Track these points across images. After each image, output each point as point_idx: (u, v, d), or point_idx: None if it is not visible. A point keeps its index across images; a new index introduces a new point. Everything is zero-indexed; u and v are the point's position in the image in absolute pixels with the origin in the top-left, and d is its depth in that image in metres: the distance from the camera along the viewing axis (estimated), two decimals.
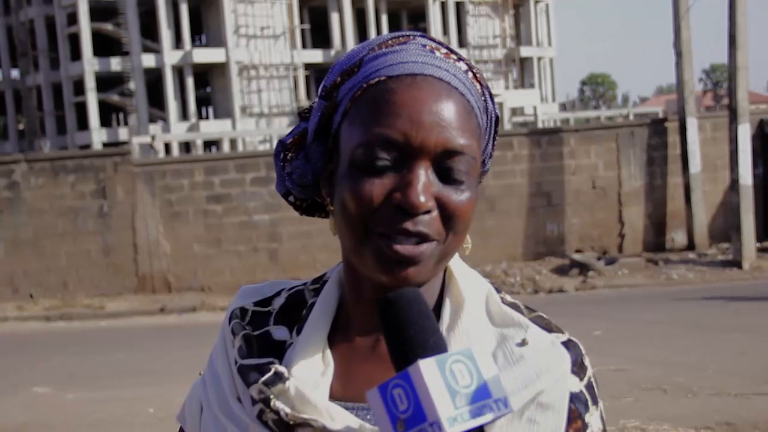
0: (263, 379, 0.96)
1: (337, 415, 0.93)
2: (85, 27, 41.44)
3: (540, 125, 31.88)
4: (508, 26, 48.10)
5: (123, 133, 39.41)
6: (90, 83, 41.64)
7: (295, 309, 1.06)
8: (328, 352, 1.00)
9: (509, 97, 39.73)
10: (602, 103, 76.06)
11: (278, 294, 1.10)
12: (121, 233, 15.01)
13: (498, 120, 1.03)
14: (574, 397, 0.96)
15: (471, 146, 0.93)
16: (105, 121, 43.15)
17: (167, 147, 29.97)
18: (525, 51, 48.59)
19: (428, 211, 0.91)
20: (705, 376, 7.31)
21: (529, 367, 0.94)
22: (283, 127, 37.25)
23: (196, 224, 15.24)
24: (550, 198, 16.13)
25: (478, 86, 0.98)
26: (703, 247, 15.62)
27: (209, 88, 46.33)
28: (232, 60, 41.85)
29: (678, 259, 15.01)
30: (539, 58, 49.94)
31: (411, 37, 0.97)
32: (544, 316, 1.03)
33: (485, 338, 0.98)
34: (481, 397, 0.76)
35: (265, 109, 42.39)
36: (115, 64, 42.47)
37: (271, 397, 0.95)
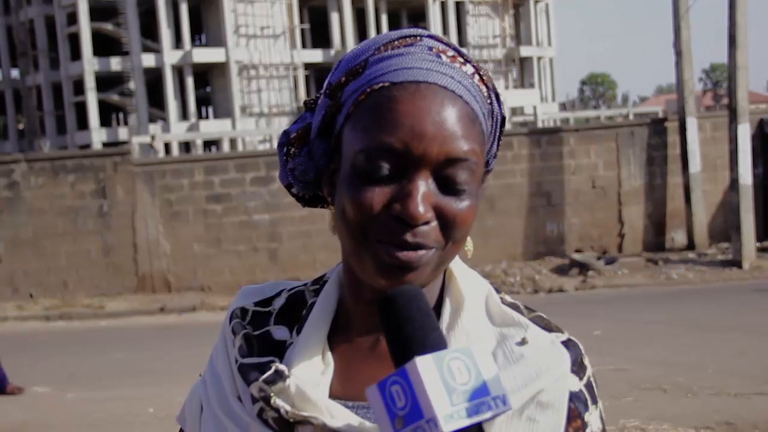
0: (263, 377, 0.96)
1: (337, 413, 0.94)
2: (85, 27, 41.45)
3: (540, 125, 31.90)
4: (508, 26, 48.11)
5: (123, 133, 39.42)
6: (90, 83, 41.65)
7: (295, 309, 1.06)
8: (328, 351, 1.01)
9: (509, 96, 39.77)
10: (602, 103, 76.07)
11: (278, 294, 1.10)
12: (121, 233, 15.01)
13: (504, 121, 1.02)
14: (574, 396, 0.97)
15: (474, 152, 0.93)
16: (105, 121, 43.16)
17: (167, 147, 29.98)
18: (525, 51, 48.60)
19: (427, 222, 0.91)
20: (705, 376, 7.31)
21: (529, 366, 0.94)
22: (282, 126, 37.22)
23: (195, 224, 15.24)
24: (550, 198, 16.13)
25: (484, 89, 0.97)
26: (702, 247, 15.62)
27: (209, 87, 46.34)
28: (232, 60, 41.86)
29: (678, 259, 15.01)
30: (539, 58, 49.95)
31: (418, 38, 0.96)
32: (544, 316, 1.04)
33: (485, 337, 0.98)
34: (479, 394, 0.75)
35: (264, 108, 42.40)
36: (115, 63, 42.48)
37: (272, 395, 0.95)
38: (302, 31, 45.57)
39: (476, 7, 47.19)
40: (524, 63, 49.34)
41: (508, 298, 1.05)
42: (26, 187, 14.90)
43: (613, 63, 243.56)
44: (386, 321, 0.82)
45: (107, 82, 43.05)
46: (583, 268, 14.71)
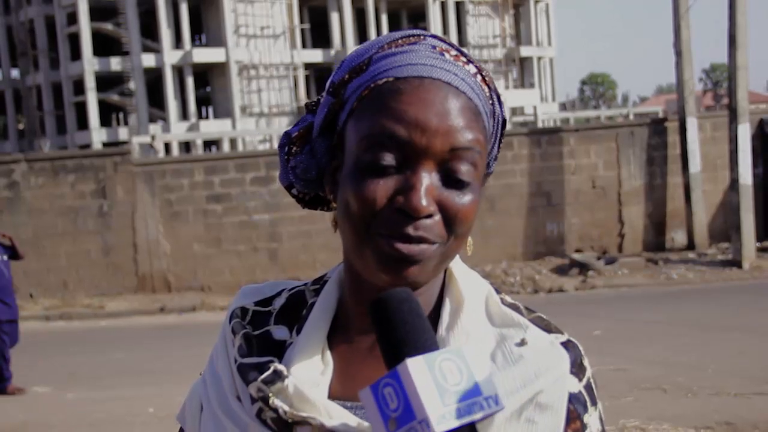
0: (262, 377, 0.96)
1: (335, 414, 0.94)
2: (85, 27, 41.46)
3: (540, 125, 31.90)
4: (508, 26, 48.11)
5: (123, 133, 39.42)
6: (90, 83, 41.65)
7: (295, 309, 1.06)
8: (328, 351, 1.00)
9: (509, 96, 39.78)
10: (602, 103, 76.06)
11: (279, 294, 1.10)
12: (121, 233, 15.02)
13: (505, 122, 1.03)
14: (573, 398, 0.96)
15: (478, 141, 0.93)
16: (105, 121, 43.17)
17: (167, 147, 29.98)
18: (525, 51, 48.60)
19: (430, 215, 0.91)
20: (705, 376, 7.31)
21: (528, 367, 0.94)
22: (282, 126, 37.26)
23: (195, 224, 15.24)
24: (550, 198, 16.13)
25: (486, 89, 0.98)
26: (702, 247, 15.62)
27: (209, 87, 46.34)
28: (232, 60, 41.87)
29: (678, 259, 15.01)
30: (539, 58, 49.96)
31: (421, 37, 0.97)
32: (544, 317, 1.03)
33: (485, 338, 0.98)
34: (471, 394, 0.75)
35: (264, 108, 42.41)
36: (115, 63, 42.48)
37: (270, 395, 0.95)
38: (302, 31, 45.58)
39: (476, 7, 47.19)
40: (524, 63, 49.35)
41: (509, 299, 1.05)
42: (26, 187, 14.90)
43: (613, 63, 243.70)
44: (378, 323, 0.82)
45: (107, 82, 43.05)
46: (583, 268, 14.72)
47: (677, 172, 16.09)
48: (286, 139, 1.06)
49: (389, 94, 0.92)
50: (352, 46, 43.33)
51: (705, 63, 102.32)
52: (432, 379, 0.75)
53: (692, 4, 15.63)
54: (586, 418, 0.97)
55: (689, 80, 15.84)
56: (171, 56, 41.84)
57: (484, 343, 0.97)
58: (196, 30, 45.70)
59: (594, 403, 0.99)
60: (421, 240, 0.91)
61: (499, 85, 43.97)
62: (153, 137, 24.90)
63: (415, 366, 0.75)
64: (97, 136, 41.26)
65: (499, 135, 1.02)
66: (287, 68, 43.30)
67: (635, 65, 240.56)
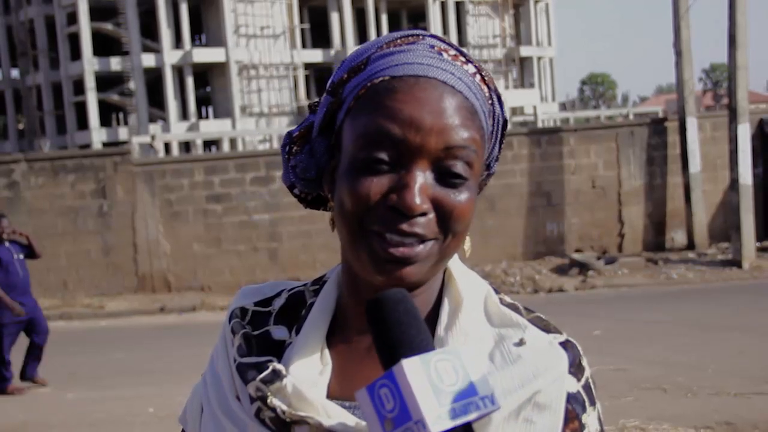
0: (261, 376, 0.96)
1: (333, 413, 0.94)
2: (84, 26, 41.46)
3: (540, 125, 31.89)
4: (508, 26, 48.11)
5: (123, 133, 39.43)
6: (90, 83, 41.66)
7: (295, 309, 1.07)
8: (327, 351, 1.01)
9: (509, 96, 39.78)
10: (602, 103, 76.05)
11: (279, 295, 1.10)
12: (121, 233, 15.01)
13: (506, 123, 1.02)
14: (572, 398, 0.96)
15: (473, 140, 0.93)
16: (105, 121, 43.17)
17: (167, 147, 29.98)
18: (525, 51, 48.61)
19: (424, 214, 0.91)
20: (705, 376, 7.31)
21: (526, 366, 0.94)
22: (282, 126, 37.26)
23: (195, 224, 15.24)
24: (550, 197, 16.13)
25: (486, 89, 0.98)
26: (702, 247, 15.62)
27: (209, 87, 46.34)
28: (232, 60, 41.87)
29: (678, 259, 15.01)
30: (539, 58, 49.96)
31: (420, 37, 0.97)
32: (543, 317, 1.03)
33: (483, 338, 0.98)
34: (467, 394, 0.76)
35: (264, 108, 42.41)
36: (115, 63, 42.49)
37: (269, 394, 0.95)
38: (302, 31, 45.58)
39: (476, 7, 47.20)
40: (524, 63, 49.35)
41: (508, 299, 1.05)
42: (26, 187, 14.90)
43: (613, 63, 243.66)
44: (373, 324, 0.83)
45: (107, 82, 43.06)
46: (583, 268, 14.71)
47: (677, 172, 16.09)
48: (288, 138, 1.06)
49: (385, 93, 0.92)
50: (352, 46, 43.34)
51: (705, 63, 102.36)
52: (427, 379, 0.75)
53: (692, 4, 15.63)
54: (585, 418, 0.97)
55: (689, 80, 15.84)
56: (171, 56, 41.84)
57: (483, 343, 0.97)
58: (196, 30, 45.71)
59: (593, 403, 0.99)
60: (415, 236, 0.91)
61: (499, 85, 43.95)
62: (153, 137, 24.90)
63: (411, 367, 0.75)
64: (97, 136, 41.27)
65: (499, 135, 1.02)
66: (287, 68, 43.30)
67: (635, 65, 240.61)
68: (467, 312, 0.99)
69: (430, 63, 0.94)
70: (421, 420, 0.74)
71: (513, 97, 41.64)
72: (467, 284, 1.03)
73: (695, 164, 15.73)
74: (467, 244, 0.99)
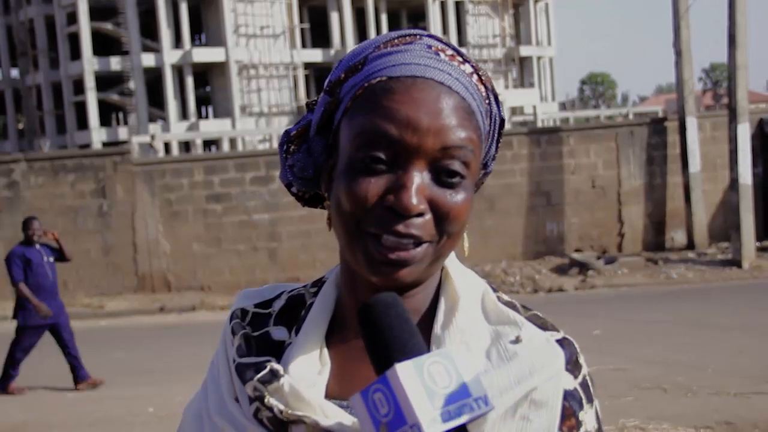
0: (258, 376, 0.97)
1: (330, 413, 0.94)
2: (84, 26, 41.45)
3: (539, 124, 31.89)
4: (508, 25, 48.11)
5: (123, 133, 39.42)
6: (90, 82, 41.65)
7: (294, 310, 1.07)
8: (326, 351, 1.01)
9: (509, 96, 39.77)
10: (602, 103, 76.05)
11: (278, 296, 1.10)
12: (121, 232, 15.01)
13: (503, 122, 1.03)
14: (568, 395, 0.96)
15: (470, 139, 0.93)
16: (105, 121, 43.17)
17: (167, 146, 29.97)
18: (525, 50, 48.60)
19: (421, 214, 0.91)
20: (704, 376, 7.31)
21: (522, 364, 0.94)
22: (282, 126, 37.26)
23: (195, 223, 15.24)
24: (550, 197, 16.13)
25: (483, 89, 0.98)
26: (702, 247, 15.62)
27: (209, 87, 46.34)
28: (232, 59, 41.86)
29: (677, 259, 15.01)
30: (539, 58, 49.96)
31: (417, 37, 0.97)
32: (540, 314, 1.04)
33: (480, 336, 0.98)
34: (461, 396, 0.76)
35: (264, 108, 42.40)
36: (115, 63, 42.48)
37: (266, 394, 0.95)
38: (302, 30, 45.58)
39: (476, 7, 47.19)
40: (524, 62, 49.35)
41: (505, 297, 1.05)
42: (26, 186, 14.90)
43: (613, 63, 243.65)
44: (365, 329, 0.83)
45: (107, 81, 43.05)
46: (583, 267, 14.71)
47: (677, 172, 16.09)
48: (286, 137, 1.06)
49: (382, 93, 0.93)
50: (351, 46, 43.23)
51: (705, 63, 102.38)
52: (421, 383, 0.76)
53: (692, 3, 15.63)
54: (582, 415, 0.97)
55: (689, 80, 15.84)
56: (171, 56, 41.83)
57: (480, 341, 0.97)
58: (196, 30, 45.71)
59: (590, 401, 0.99)
60: (411, 238, 0.91)
61: (499, 84, 44.00)
62: (153, 137, 24.90)
63: (404, 371, 0.76)
64: (97, 135, 41.26)
65: (496, 135, 1.03)
66: (287, 68, 43.30)
67: (635, 65, 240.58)
68: (464, 310, 0.99)
69: (427, 63, 0.94)
70: (416, 424, 0.74)
71: (513, 97, 41.63)
72: (464, 283, 1.03)
73: (695, 164, 15.73)
74: (466, 243, 1.00)
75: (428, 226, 0.92)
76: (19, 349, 8.49)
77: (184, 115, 42.73)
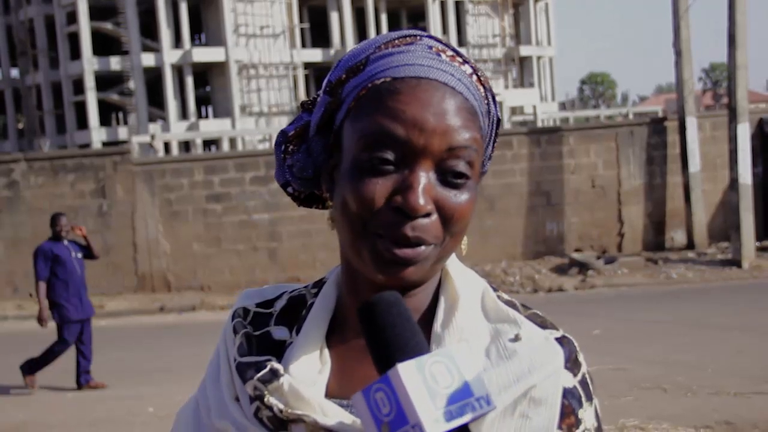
0: (259, 375, 0.97)
1: (330, 411, 0.94)
2: (84, 26, 41.45)
3: (539, 124, 31.90)
4: (508, 25, 48.11)
5: (122, 132, 39.43)
6: (89, 82, 41.65)
7: (295, 310, 1.07)
8: (326, 350, 1.01)
9: (509, 96, 39.77)
10: (602, 102, 76.06)
11: (280, 297, 1.11)
12: (121, 232, 15.01)
13: (499, 122, 1.03)
14: (568, 393, 0.97)
15: (475, 139, 0.94)
16: (104, 121, 43.17)
17: (167, 146, 29.98)
18: (524, 50, 48.61)
19: (427, 214, 0.92)
20: (704, 375, 7.31)
21: (522, 362, 0.95)
22: (282, 126, 37.05)
23: (195, 223, 15.24)
24: (550, 197, 16.13)
25: (482, 89, 0.99)
26: (702, 246, 15.63)
27: (209, 87, 46.34)
28: (232, 59, 41.86)
29: (677, 258, 15.02)
30: (539, 57, 49.96)
31: (417, 38, 0.98)
32: (540, 313, 1.04)
33: (479, 334, 0.98)
34: (463, 396, 0.76)
35: (264, 108, 42.40)
36: (115, 63, 42.47)
37: (266, 393, 0.95)
38: (302, 30, 45.58)
39: (476, 7, 47.19)
40: (524, 62, 49.35)
41: (505, 296, 1.05)
42: (26, 186, 14.90)
43: (613, 62, 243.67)
44: (367, 328, 0.83)
45: (107, 81, 43.05)
46: (583, 267, 14.71)
47: (677, 172, 16.09)
48: (283, 137, 1.06)
49: (387, 94, 0.93)
50: (351, 46, 43.14)
51: (705, 62, 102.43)
52: (423, 383, 0.76)
53: (692, 3, 15.63)
54: (581, 413, 0.97)
55: (689, 80, 15.84)
56: (170, 56, 41.83)
57: (479, 340, 0.98)
58: (196, 29, 45.71)
59: (589, 399, 0.99)
60: (418, 241, 0.91)
61: (499, 84, 44.02)
62: (152, 137, 24.90)
63: (406, 371, 0.76)
64: (97, 135, 41.26)
65: (493, 134, 1.03)
66: (287, 68, 43.30)
67: (635, 65, 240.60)
68: (463, 309, 1.00)
69: (430, 64, 0.94)
70: (417, 424, 0.74)
71: (512, 97, 41.64)
72: (464, 282, 1.03)
73: (695, 164, 15.73)
74: (464, 243, 1.00)
75: (434, 227, 0.92)
76: (58, 347, 8.45)
77: (184, 114, 42.73)
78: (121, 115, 45.52)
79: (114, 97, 43.24)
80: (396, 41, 0.97)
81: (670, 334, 9.38)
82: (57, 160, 15.26)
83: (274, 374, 0.96)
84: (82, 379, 8.42)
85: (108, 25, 42.35)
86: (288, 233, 15.32)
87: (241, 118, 41.75)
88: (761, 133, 16.34)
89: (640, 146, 16.31)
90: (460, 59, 0.97)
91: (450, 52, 0.97)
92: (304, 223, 15.08)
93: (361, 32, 45.42)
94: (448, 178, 0.93)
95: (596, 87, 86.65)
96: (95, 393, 8.21)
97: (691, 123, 15.75)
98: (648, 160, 16.32)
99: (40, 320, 8.39)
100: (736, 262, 14.28)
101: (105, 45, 43.73)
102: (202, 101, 48.55)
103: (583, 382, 0.99)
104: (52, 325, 8.57)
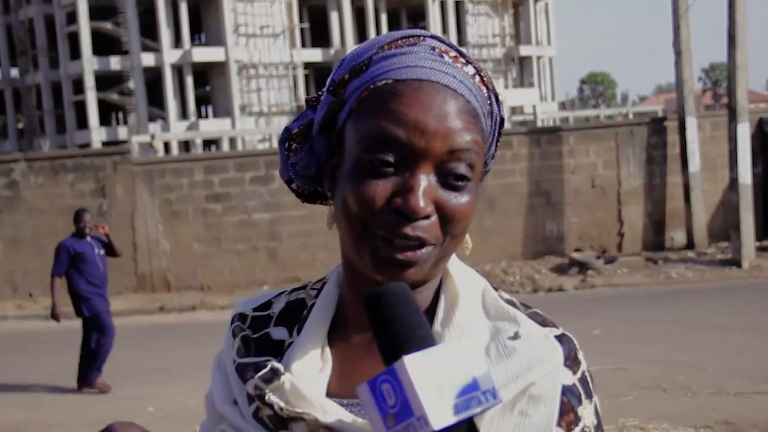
0: (259, 374, 0.97)
1: (330, 410, 0.94)
2: (84, 26, 41.45)
3: (539, 124, 31.89)
4: (508, 25, 48.12)
5: (122, 132, 39.42)
6: (89, 82, 41.65)
7: (295, 311, 1.08)
8: (327, 349, 1.01)
9: (509, 96, 39.78)
10: (601, 102, 76.06)
11: (278, 297, 1.11)
12: (121, 232, 14.99)
13: (503, 122, 1.04)
14: (567, 390, 0.97)
15: (476, 142, 0.94)
16: (104, 120, 43.17)
17: (166, 146, 29.97)
18: (524, 50, 48.61)
19: (427, 216, 0.92)
20: (704, 375, 7.31)
21: (521, 359, 0.95)
22: (282, 126, 37.18)
23: (195, 223, 15.24)
24: (550, 197, 16.13)
25: (485, 90, 0.99)
26: (702, 246, 15.63)
27: (209, 87, 46.34)
28: (232, 59, 41.86)
29: (677, 258, 15.02)
30: (539, 57, 49.96)
31: (420, 38, 0.98)
32: (540, 312, 1.04)
33: (479, 332, 0.99)
34: (469, 389, 0.76)
35: (264, 108, 42.41)
36: (115, 63, 42.48)
37: (266, 391, 0.96)
38: (302, 30, 45.59)
39: (476, 7, 47.20)
40: (524, 62, 49.35)
41: (505, 295, 1.06)
42: (26, 186, 14.90)
43: (613, 62, 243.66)
44: (374, 319, 0.83)
45: (107, 81, 43.05)
46: (583, 267, 14.71)
47: (677, 172, 16.09)
48: (287, 134, 1.07)
49: (389, 96, 0.93)
50: (351, 46, 43.35)
51: (704, 62, 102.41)
52: (429, 375, 0.76)
53: (692, 3, 15.63)
54: (580, 411, 0.98)
55: (689, 79, 15.84)
56: (170, 55, 41.83)
57: (479, 338, 0.98)
58: (196, 29, 45.71)
59: (589, 396, 0.99)
60: (418, 240, 0.92)
61: (499, 84, 43.99)
62: (152, 136, 24.90)
63: (412, 363, 0.76)
64: (97, 135, 41.27)
65: (497, 134, 1.04)
66: (287, 67, 43.31)
67: (635, 64, 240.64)
68: (463, 307, 1.00)
69: (432, 66, 0.94)
70: (423, 416, 0.74)
71: (512, 97, 41.65)
72: (465, 281, 1.04)
73: (695, 164, 15.73)
74: (468, 242, 1.01)
75: (434, 228, 0.93)
76: (106, 337, 8.41)
77: (183, 114, 42.73)
78: (121, 114, 45.52)
79: (114, 96, 43.25)
80: (399, 42, 0.97)
81: (670, 334, 9.38)
82: (57, 160, 15.26)
83: (275, 373, 0.97)
84: (92, 376, 8.38)
85: (108, 25, 42.35)
86: (288, 233, 15.32)
87: (241, 117, 41.75)
88: (761, 133, 16.34)
89: (639, 146, 16.31)
90: (463, 60, 0.97)
91: (453, 53, 0.97)
92: (304, 223, 15.08)
93: (361, 32, 45.42)
94: (449, 180, 0.93)
95: (596, 87, 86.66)
96: (95, 393, 8.21)
97: (691, 123, 15.75)
98: (648, 160, 16.32)
99: (54, 316, 8.38)
100: (735, 262, 14.28)
101: (105, 45, 43.73)
102: (202, 101, 48.56)
103: (583, 380, 0.99)
104: (65, 323, 8.54)
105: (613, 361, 7.84)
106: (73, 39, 42.77)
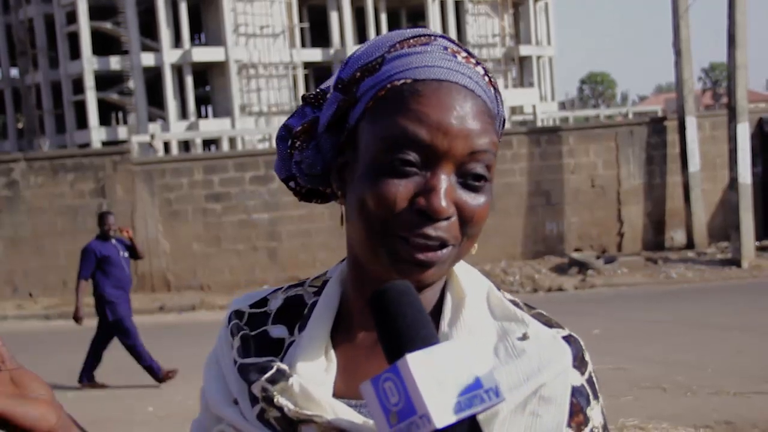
0: (266, 376, 0.96)
1: (340, 412, 0.94)
2: (84, 26, 41.45)
3: (539, 124, 31.89)
4: (508, 25, 48.12)
5: (122, 132, 39.43)
6: (89, 82, 41.65)
7: (294, 309, 1.07)
8: (331, 349, 1.01)
9: (508, 95, 39.79)
10: (601, 102, 76.09)
11: (274, 294, 1.10)
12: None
13: (504, 121, 1.04)
14: (576, 391, 0.97)
15: (494, 143, 0.95)
16: (104, 120, 43.17)
17: (166, 146, 29.97)
18: (524, 50, 48.62)
19: (448, 217, 0.92)
20: (704, 375, 7.31)
21: (531, 360, 0.95)
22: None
23: (195, 223, 15.24)
24: (550, 197, 16.13)
25: (492, 91, 0.99)
26: (702, 246, 15.63)
27: (208, 86, 46.34)
28: (232, 59, 41.86)
29: (677, 258, 15.02)
30: (538, 57, 49.98)
31: (432, 38, 0.97)
32: (544, 312, 1.05)
33: (487, 332, 0.99)
34: (472, 387, 0.76)
35: (264, 107, 42.41)
36: (115, 62, 42.48)
37: (275, 394, 0.95)
38: (301, 30, 45.59)
39: (475, 6, 47.21)
40: (524, 62, 49.36)
41: (509, 296, 1.06)
42: (26, 186, 14.90)
43: (613, 62, 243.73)
44: (377, 316, 0.83)
45: (106, 81, 43.05)
46: (583, 267, 14.71)
47: (676, 171, 16.10)
48: (286, 131, 1.06)
49: (408, 96, 0.93)
50: (351, 46, 43.37)
51: (704, 62, 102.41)
52: (432, 373, 0.76)
53: (692, 3, 15.63)
54: (589, 412, 0.98)
55: (688, 79, 15.84)
56: (170, 55, 41.83)
57: (487, 338, 0.98)
58: (196, 29, 45.72)
59: (596, 397, 1.00)
60: (439, 241, 0.92)
61: (499, 84, 43.89)
62: (152, 136, 24.90)
63: (415, 361, 0.76)
64: (97, 135, 41.27)
65: (499, 134, 1.04)
66: (286, 67, 43.31)
67: (634, 64, 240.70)
68: (470, 307, 1.00)
69: (449, 66, 0.94)
70: (426, 414, 0.74)
71: (512, 97, 41.66)
72: (469, 280, 1.04)
73: (694, 163, 15.73)
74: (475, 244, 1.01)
75: (454, 229, 0.93)
76: (130, 340, 8.41)
77: (183, 114, 42.74)
78: (120, 114, 45.52)
79: (114, 96, 43.25)
80: (411, 41, 0.97)
81: (670, 334, 9.38)
82: (57, 160, 15.26)
83: (282, 374, 0.96)
84: (92, 374, 8.40)
85: (108, 25, 42.35)
86: (288, 233, 15.32)
87: (241, 117, 41.76)
88: (761, 133, 16.34)
89: (639, 146, 16.31)
90: (473, 61, 0.97)
91: (464, 54, 0.97)
92: (304, 223, 15.08)
93: (361, 32, 45.43)
94: (468, 180, 0.94)
95: (596, 87, 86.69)
96: (95, 393, 8.21)
97: (691, 123, 15.75)
98: (648, 159, 16.32)
99: (77, 318, 8.42)
100: (735, 262, 14.28)
101: (105, 45, 43.73)
102: (201, 101, 48.56)
103: (590, 381, 1.00)
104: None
105: (613, 360, 7.84)
106: (73, 39, 42.77)
